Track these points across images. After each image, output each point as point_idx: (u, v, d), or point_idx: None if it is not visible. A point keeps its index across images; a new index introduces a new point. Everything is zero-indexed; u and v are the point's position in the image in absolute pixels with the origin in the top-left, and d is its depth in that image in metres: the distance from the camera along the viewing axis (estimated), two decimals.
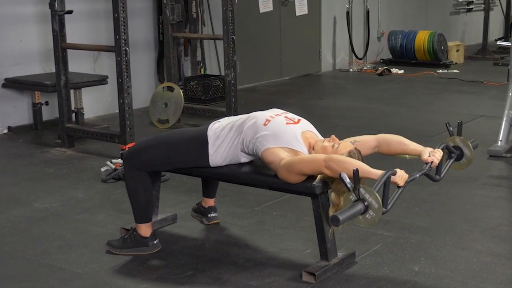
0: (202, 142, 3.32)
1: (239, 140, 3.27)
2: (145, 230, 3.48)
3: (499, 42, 9.96)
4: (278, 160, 3.13)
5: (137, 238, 3.48)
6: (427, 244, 3.57)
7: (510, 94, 5.48)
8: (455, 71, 9.83)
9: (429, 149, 3.18)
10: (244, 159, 3.33)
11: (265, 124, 3.22)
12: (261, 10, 8.83)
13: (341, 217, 2.74)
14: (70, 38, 5.67)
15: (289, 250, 3.51)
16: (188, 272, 3.26)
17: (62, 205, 4.25)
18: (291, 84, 9.09)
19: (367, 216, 2.81)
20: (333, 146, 3.15)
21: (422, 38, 10.23)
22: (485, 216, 4.00)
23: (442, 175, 3.29)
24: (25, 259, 3.44)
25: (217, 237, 3.71)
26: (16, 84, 6.21)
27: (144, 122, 6.59)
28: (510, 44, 6.68)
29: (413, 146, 3.23)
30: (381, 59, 10.69)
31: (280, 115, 3.31)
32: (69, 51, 5.64)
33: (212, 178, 3.67)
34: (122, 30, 5.05)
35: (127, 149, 4.29)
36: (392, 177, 2.91)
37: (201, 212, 3.90)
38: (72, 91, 5.95)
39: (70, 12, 5.49)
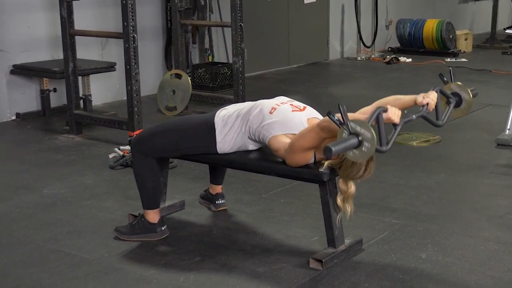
0: (209, 129, 3.32)
1: (246, 128, 3.26)
2: (153, 216, 3.50)
3: (508, 31, 9.91)
4: (284, 147, 3.13)
5: (145, 224, 3.49)
6: (434, 232, 3.57)
7: None
8: (463, 60, 9.79)
9: (422, 94, 3.18)
10: (252, 146, 3.32)
11: (271, 112, 3.22)
12: None
13: (333, 148, 2.63)
14: (78, 25, 5.67)
15: (296, 237, 3.52)
16: (196, 258, 3.27)
17: (71, 191, 4.27)
18: (299, 72, 9.08)
19: (363, 149, 2.69)
20: None
21: (430, 26, 10.19)
22: (492, 204, 4.00)
23: (444, 120, 3.27)
24: (34, 244, 3.46)
25: (225, 224, 3.72)
26: (24, 71, 6.22)
27: (152, 109, 6.60)
28: None
29: (408, 97, 3.22)
30: (389, 47, 10.66)
31: (286, 103, 3.31)
32: (77, 38, 5.64)
33: (219, 165, 3.68)
34: (130, 16, 5.05)
35: (135, 136, 4.30)
36: (384, 114, 2.86)
37: (208, 199, 3.91)
38: (80, 77, 5.96)
39: None
